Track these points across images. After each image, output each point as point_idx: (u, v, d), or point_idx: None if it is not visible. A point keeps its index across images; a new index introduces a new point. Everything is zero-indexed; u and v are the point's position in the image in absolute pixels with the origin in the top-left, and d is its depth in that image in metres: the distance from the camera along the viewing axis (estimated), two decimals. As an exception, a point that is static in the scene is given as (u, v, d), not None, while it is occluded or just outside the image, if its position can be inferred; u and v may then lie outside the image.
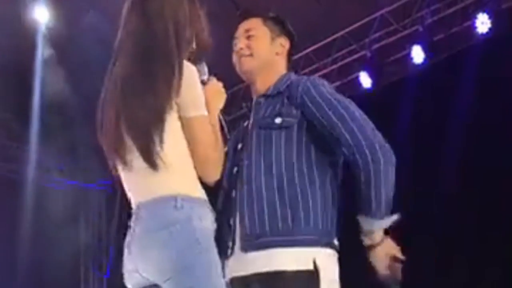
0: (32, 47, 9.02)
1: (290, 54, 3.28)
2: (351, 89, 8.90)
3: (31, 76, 9.30)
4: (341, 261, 2.99)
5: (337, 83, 9.01)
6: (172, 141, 2.71)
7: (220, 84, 2.98)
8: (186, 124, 2.72)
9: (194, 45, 2.87)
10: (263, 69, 3.17)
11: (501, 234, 7.68)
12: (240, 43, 3.19)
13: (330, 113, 2.93)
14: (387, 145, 2.93)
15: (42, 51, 9.10)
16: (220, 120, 2.94)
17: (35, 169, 10.16)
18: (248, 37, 3.18)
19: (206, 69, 2.98)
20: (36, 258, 9.81)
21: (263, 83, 3.17)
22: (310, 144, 2.97)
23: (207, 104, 2.84)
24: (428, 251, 8.05)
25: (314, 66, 9.20)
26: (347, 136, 2.89)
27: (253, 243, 2.87)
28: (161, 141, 2.67)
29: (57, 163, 10.56)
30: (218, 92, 2.95)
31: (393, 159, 2.92)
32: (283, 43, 3.23)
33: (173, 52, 2.73)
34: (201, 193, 2.74)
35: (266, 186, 2.90)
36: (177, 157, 2.72)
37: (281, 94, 3.07)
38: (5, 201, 9.75)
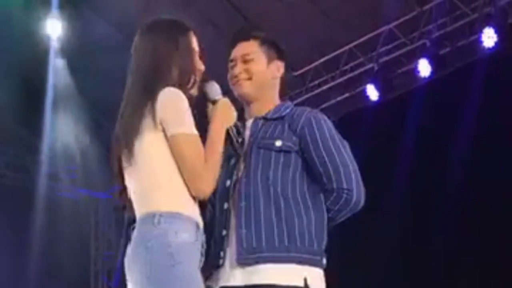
0: (45, 59, 9.14)
1: (283, 77, 3.35)
2: (358, 102, 8.99)
3: (43, 87, 9.41)
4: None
5: (345, 96, 9.11)
6: (156, 160, 2.89)
7: (230, 103, 3.10)
8: (170, 141, 2.87)
9: (191, 74, 3.01)
10: (260, 93, 3.25)
11: (507, 243, 7.75)
12: (237, 67, 3.25)
13: (323, 152, 3.07)
14: (362, 190, 3.09)
15: (54, 63, 9.22)
16: (230, 136, 3.06)
17: (47, 178, 10.26)
18: (246, 61, 3.24)
19: (218, 90, 3.11)
20: (46, 266, 9.89)
21: (259, 106, 3.25)
22: (305, 170, 3.10)
23: (214, 121, 3.00)
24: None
25: (322, 79, 9.30)
26: (333, 178, 3.04)
27: (249, 258, 2.97)
28: (140, 163, 2.89)
29: (67, 172, 10.65)
30: (226, 110, 3.07)
31: (359, 207, 3.09)
32: (278, 67, 3.30)
33: (152, 83, 2.92)
34: (184, 209, 2.86)
35: (264, 205, 3.01)
36: (161, 176, 2.88)
37: (283, 119, 3.18)
38: (17, 210, 9.85)
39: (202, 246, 2.90)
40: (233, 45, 3.29)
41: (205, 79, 3.10)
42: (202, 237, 2.90)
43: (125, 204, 3.00)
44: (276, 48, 3.30)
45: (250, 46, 3.26)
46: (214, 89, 3.11)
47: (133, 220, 2.96)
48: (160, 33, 3.04)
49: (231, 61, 3.27)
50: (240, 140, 3.14)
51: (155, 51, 2.99)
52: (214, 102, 3.09)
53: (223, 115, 3.05)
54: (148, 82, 2.93)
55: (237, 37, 3.30)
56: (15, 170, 10.32)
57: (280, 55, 3.31)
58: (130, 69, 3.04)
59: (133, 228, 2.92)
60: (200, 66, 3.07)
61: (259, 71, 3.24)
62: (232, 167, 3.13)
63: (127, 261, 2.89)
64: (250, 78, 3.23)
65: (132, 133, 2.88)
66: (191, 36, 3.06)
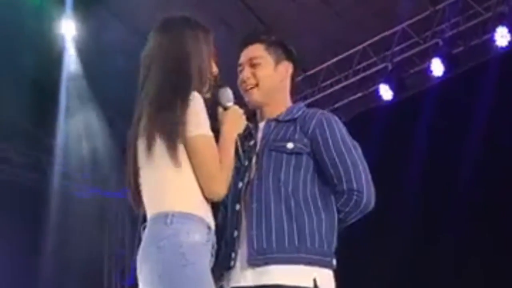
0: (59, 60, 9.19)
1: (293, 76, 3.36)
2: (371, 101, 9.01)
3: (57, 88, 9.46)
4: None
5: (358, 95, 9.12)
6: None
7: (241, 111, 3.14)
8: (188, 143, 2.88)
9: (207, 75, 3.02)
10: (270, 97, 3.27)
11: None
12: (245, 72, 3.26)
13: (334, 154, 3.09)
14: (373, 191, 3.09)
15: (68, 63, 9.28)
16: (236, 145, 3.08)
17: (60, 178, 10.32)
18: (253, 65, 3.26)
19: (231, 96, 3.15)
20: (59, 266, 9.95)
21: (271, 109, 3.27)
22: (316, 172, 3.11)
23: (224, 128, 3.03)
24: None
25: (335, 78, 9.31)
26: (343, 179, 3.06)
27: (259, 259, 2.99)
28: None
29: (81, 171, 10.70)
30: (237, 118, 3.11)
31: (369, 208, 3.10)
32: (287, 68, 3.32)
33: (183, 85, 2.92)
34: (197, 210, 2.88)
35: (274, 206, 3.03)
36: (176, 176, 2.88)
37: (295, 121, 3.20)
38: (30, 209, 9.91)
39: (213, 247, 2.92)
40: (241, 49, 3.31)
41: (219, 83, 3.12)
42: (213, 238, 2.92)
43: (139, 204, 3.01)
44: (283, 49, 3.31)
45: (256, 49, 3.28)
46: (226, 95, 3.14)
47: (146, 220, 2.98)
48: (183, 32, 3.03)
49: (240, 65, 3.30)
50: (250, 144, 3.18)
51: (181, 50, 2.99)
52: (225, 108, 3.13)
53: (234, 123, 3.09)
54: (178, 83, 2.92)
55: (244, 41, 3.32)
56: (29, 170, 10.39)
57: (288, 55, 3.32)
58: (151, 68, 3.00)
59: (144, 228, 2.93)
60: (215, 69, 3.08)
61: (266, 76, 3.26)
62: (245, 169, 3.15)
63: (137, 260, 2.91)
64: (257, 84, 3.24)
65: (173, 133, 2.86)
66: (211, 37, 3.07)
